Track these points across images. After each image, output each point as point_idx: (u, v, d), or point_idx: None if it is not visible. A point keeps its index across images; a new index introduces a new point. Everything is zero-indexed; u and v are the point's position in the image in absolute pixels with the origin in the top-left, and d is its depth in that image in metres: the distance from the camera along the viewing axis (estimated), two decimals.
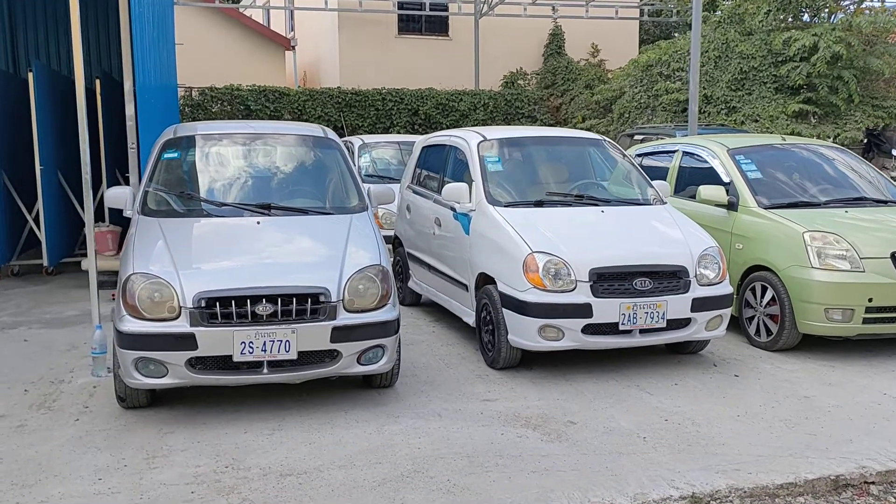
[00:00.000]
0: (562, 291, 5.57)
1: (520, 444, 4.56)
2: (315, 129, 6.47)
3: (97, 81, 10.83)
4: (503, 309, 5.78)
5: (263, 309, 4.74)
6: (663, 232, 6.12)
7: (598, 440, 4.61)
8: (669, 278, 5.73)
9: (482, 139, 6.87)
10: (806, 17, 15.82)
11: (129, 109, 9.05)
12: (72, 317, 8.04)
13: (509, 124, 19.62)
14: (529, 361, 6.01)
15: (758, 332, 6.61)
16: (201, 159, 6.00)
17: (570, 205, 6.39)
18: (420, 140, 8.41)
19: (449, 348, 6.63)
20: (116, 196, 5.68)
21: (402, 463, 4.29)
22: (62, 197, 10.45)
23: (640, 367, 6.01)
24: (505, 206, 6.25)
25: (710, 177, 7.42)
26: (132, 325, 4.70)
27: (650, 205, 6.55)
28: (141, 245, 5.07)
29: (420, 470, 4.20)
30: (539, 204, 6.33)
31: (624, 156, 7.17)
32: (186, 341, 4.67)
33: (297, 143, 6.28)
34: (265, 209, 5.54)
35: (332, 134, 6.41)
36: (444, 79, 20.10)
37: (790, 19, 15.51)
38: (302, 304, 4.81)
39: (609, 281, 5.61)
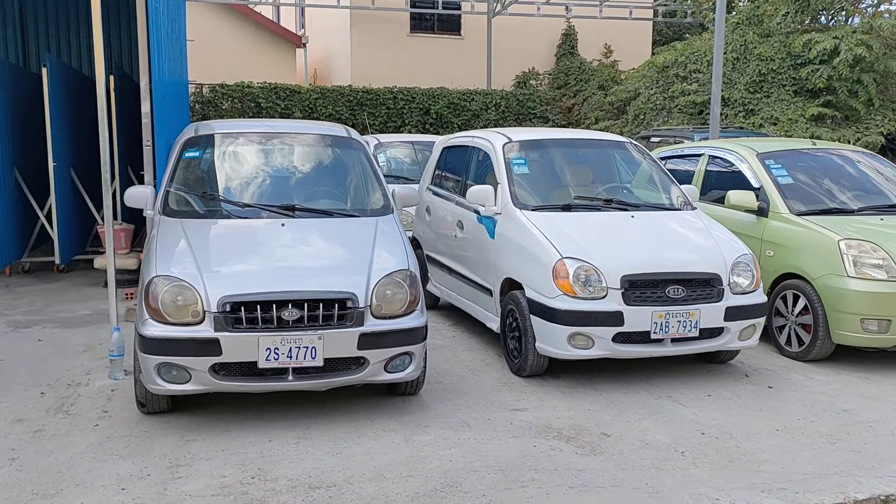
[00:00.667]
0: (592, 299, 5.42)
1: (554, 457, 4.41)
2: (338, 129, 6.33)
3: (111, 77, 10.71)
4: (531, 316, 5.63)
5: (289, 314, 4.60)
6: (695, 238, 5.96)
7: (634, 454, 4.46)
8: (702, 286, 5.58)
9: (507, 141, 6.72)
10: (823, 20, 15.64)
11: (145, 106, 8.89)
12: (85, 316, 7.90)
13: (521, 125, 19.47)
14: (556, 369, 5.86)
15: (788, 341, 6.46)
16: (223, 159, 5.85)
17: (598, 209, 6.23)
18: (440, 141, 8.26)
19: (471, 354, 6.48)
20: (136, 195, 5.54)
21: (434, 476, 4.15)
22: (74, 194, 10.32)
23: (670, 378, 5.86)
24: (532, 210, 6.10)
25: (739, 181, 7.26)
26: (155, 330, 4.56)
27: (680, 210, 6.40)
28: (163, 247, 4.93)
29: (453, 484, 4.06)
30: (567, 208, 6.18)
31: (650, 158, 7.01)
32: (210, 347, 4.53)
33: (320, 143, 6.14)
34: (289, 210, 5.39)
35: (355, 134, 6.27)
36: (455, 78, 19.94)
37: (808, 21, 15.32)
38: (329, 310, 4.67)
39: (641, 288, 5.46)
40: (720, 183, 7.55)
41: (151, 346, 4.56)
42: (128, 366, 5.86)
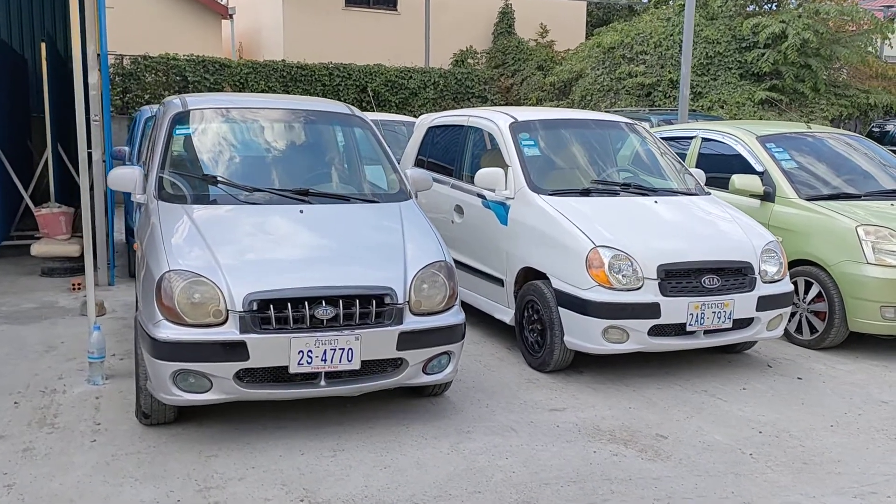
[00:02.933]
0: (628, 290, 5.11)
1: (620, 464, 4.08)
2: (340, 106, 5.78)
3: (42, 46, 9.76)
4: (559, 308, 5.28)
5: (324, 313, 4.10)
6: (722, 225, 5.72)
7: (701, 458, 4.18)
8: (735, 275, 5.35)
9: (513, 121, 6.32)
10: (767, 6, 15.80)
11: (93, 77, 8.11)
12: (32, 310, 7.12)
13: (459, 104, 19.09)
14: (576, 363, 5.54)
15: (799, 329, 6.33)
16: (220, 137, 5.24)
17: (617, 194, 5.91)
18: (423, 120, 7.78)
19: (478, 346, 6.10)
20: (123, 177, 4.89)
21: (504, 491, 3.75)
22: (1, 174, 9.36)
23: (694, 370, 5.63)
24: (550, 195, 5.74)
25: (737, 165, 7.08)
26: (170, 332, 3.98)
27: (697, 195, 6.15)
28: (171, 237, 4.32)
29: (530, 500, 3.67)
30: (586, 193, 5.84)
31: (657, 140, 6.74)
32: (236, 351, 3.99)
33: (325, 120, 5.59)
34: (302, 195, 4.85)
35: (358, 112, 5.75)
36: (392, 54, 19.38)
37: (751, 6, 15.45)
38: (366, 307, 4.19)
39: (677, 278, 5.18)
40: (716, 166, 7.33)
41: (166, 350, 3.98)
42: (108, 369, 5.25)
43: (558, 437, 4.41)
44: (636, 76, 15.13)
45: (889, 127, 14.79)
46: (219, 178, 4.85)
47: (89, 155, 7.08)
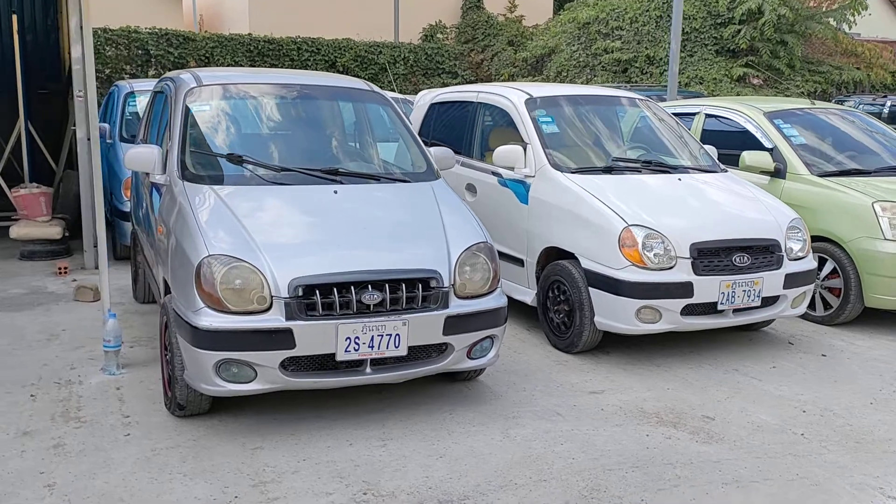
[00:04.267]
0: (661, 269, 5.04)
1: (677, 447, 4.02)
2: (359, 83, 5.57)
3: (13, 17, 9.30)
4: (589, 288, 5.19)
5: (370, 297, 3.94)
6: (746, 203, 5.68)
7: (754, 439, 4.14)
8: (763, 253, 5.32)
9: (528, 97, 6.19)
10: None
11: (76, 51, 7.74)
12: (21, 296, 6.81)
13: (430, 80, 18.85)
14: (601, 344, 5.47)
15: (812, 305, 6.34)
16: (239, 114, 5.01)
17: (639, 171, 5.83)
18: (424, 97, 7.60)
19: None
20: (141, 157, 4.64)
21: (570, 479, 3.66)
22: None
23: (719, 348, 5.61)
24: (573, 173, 5.63)
25: (742, 142, 7.05)
26: (214, 320, 3.79)
27: (716, 172, 6.10)
28: (205, 219, 4.10)
29: (598, 487, 3.59)
30: (608, 170, 5.74)
31: (670, 117, 6.67)
32: (282, 338, 3.82)
33: (346, 97, 5.39)
34: (332, 174, 4.66)
35: (377, 88, 5.55)
36: (362, 28, 19.02)
37: None
38: (412, 291, 4.04)
39: (709, 257, 5.13)
40: (720, 143, 7.26)
41: (209, 339, 3.79)
42: (122, 358, 5.02)
43: (606, 421, 4.33)
44: (612, 52, 15.07)
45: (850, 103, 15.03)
46: (244, 158, 4.62)
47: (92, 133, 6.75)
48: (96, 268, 7.88)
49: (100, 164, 7.00)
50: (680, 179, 5.76)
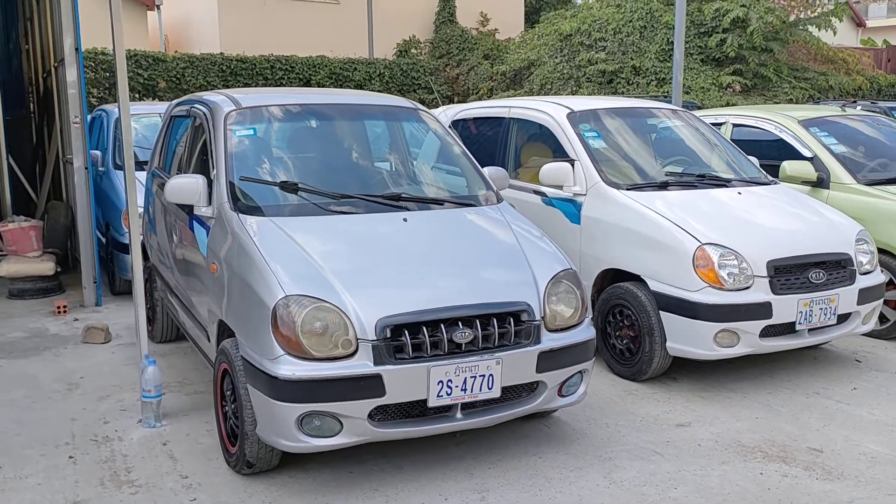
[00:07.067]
0: (738, 290, 4.76)
1: (799, 486, 3.72)
2: (403, 101, 5.21)
3: None
4: (661, 312, 4.88)
5: (462, 336, 3.57)
6: (811, 216, 5.43)
7: (877, 473, 3.85)
8: (836, 268, 5.08)
9: (570, 111, 5.89)
10: None
11: (71, 74, 7.25)
12: (23, 340, 6.29)
13: (406, 96, 18.50)
14: (667, 370, 5.16)
15: None
16: (286, 137, 4.61)
17: (695, 186, 5.56)
18: (443, 113, 7.25)
19: None
20: (184, 188, 4.21)
21: None
22: None
23: (788, 369, 5.34)
24: (628, 190, 5.34)
25: (775, 151, 6.84)
26: (296, 369, 3.39)
27: (768, 184, 5.85)
28: (272, 256, 3.69)
29: None
30: (663, 186, 5.46)
31: (708, 127, 6.42)
32: (371, 385, 3.44)
33: (396, 117, 5.02)
34: (394, 200, 4.28)
35: (422, 107, 5.19)
36: (334, 46, 18.63)
37: None
38: (503, 326, 3.69)
39: (786, 275, 4.87)
40: (752, 153, 7.09)
41: (292, 391, 3.38)
42: (159, 408, 4.56)
43: (710, 458, 4.01)
44: (597, 63, 14.91)
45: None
46: (300, 185, 4.22)
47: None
48: (97, 305, 7.39)
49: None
50: (740, 193, 5.50)
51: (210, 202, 4.22)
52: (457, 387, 3.57)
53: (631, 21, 14.86)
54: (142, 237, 6.08)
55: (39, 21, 9.42)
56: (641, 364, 5.05)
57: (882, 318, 6.05)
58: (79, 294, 7.50)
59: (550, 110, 5.97)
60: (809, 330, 4.99)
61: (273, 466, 3.82)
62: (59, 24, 7.32)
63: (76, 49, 7.18)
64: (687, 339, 4.81)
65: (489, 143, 6.53)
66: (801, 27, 14.31)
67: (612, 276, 5.31)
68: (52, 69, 8.37)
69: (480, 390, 3.63)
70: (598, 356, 5.39)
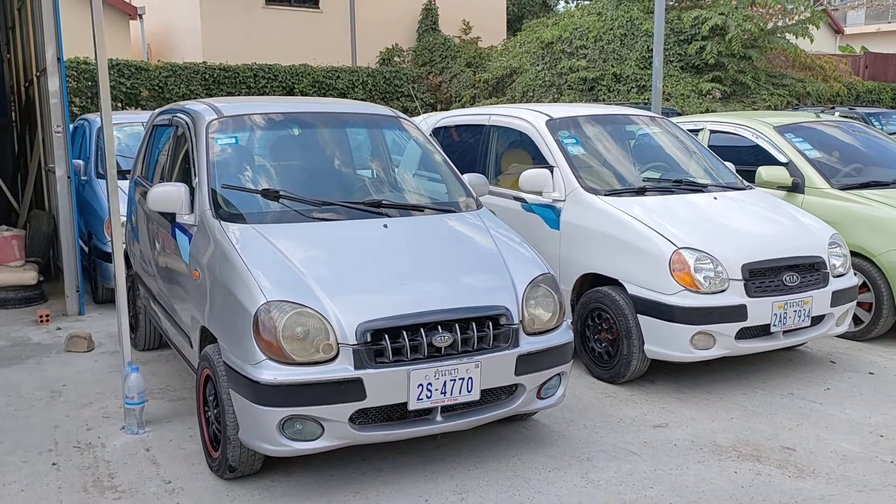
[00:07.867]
0: (713, 293, 4.85)
1: (772, 484, 3.80)
2: (383, 109, 5.27)
3: None
4: (639, 315, 4.97)
5: (441, 340, 3.64)
6: (785, 220, 5.53)
7: (847, 470, 3.94)
8: (810, 271, 5.18)
9: (549, 118, 5.97)
10: None
11: (53, 84, 7.27)
12: (5, 349, 6.31)
13: (389, 104, 18.58)
14: (645, 373, 5.23)
15: None
16: (267, 145, 4.66)
17: (672, 192, 5.65)
18: (424, 121, 7.31)
19: None
20: (166, 196, 4.26)
21: None
22: None
23: (764, 371, 5.43)
24: (606, 196, 5.42)
25: (755, 157, 6.95)
26: (277, 373, 3.44)
27: (744, 189, 5.96)
28: (253, 262, 3.75)
29: None
30: (641, 192, 5.55)
31: (686, 134, 6.52)
32: (352, 389, 3.49)
33: (376, 125, 5.08)
34: (375, 207, 4.34)
35: (402, 115, 5.26)
36: (317, 54, 18.70)
37: None
38: (483, 330, 3.76)
39: (760, 278, 4.96)
40: (728, 159, 7.19)
41: (274, 395, 3.44)
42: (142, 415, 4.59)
43: (685, 458, 4.09)
44: (578, 71, 15.04)
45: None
46: (282, 192, 4.28)
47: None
48: (79, 314, 7.39)
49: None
50: (716, 198, 5.59)
51: (192, 210, 4.26)
52: (437, 390, 3.63)
53: (612, 29, 15.01)
54: (124, 245, 6.11)
55: (21, 30, 9.42)
56: (620, 367, 5.12)
57: (856, 320, 6.16)
58: (61, 303, 7.51)
59: (530, 117, 6.05)
60: (784, 332, 5.09)
61: (255, 471, 3.86)
62: (41, 33, 7.34)
63: (58, 59, 7.19)
64: (664, 341, 4.89)
65: (470, 150, 6.61)
66: (778, 35, 14.52)
67: (590, 281, 5.39)
68: (35, 78, 8.36)
69: (460, 393, 3.69)
70: (578, 359, 5.49)
